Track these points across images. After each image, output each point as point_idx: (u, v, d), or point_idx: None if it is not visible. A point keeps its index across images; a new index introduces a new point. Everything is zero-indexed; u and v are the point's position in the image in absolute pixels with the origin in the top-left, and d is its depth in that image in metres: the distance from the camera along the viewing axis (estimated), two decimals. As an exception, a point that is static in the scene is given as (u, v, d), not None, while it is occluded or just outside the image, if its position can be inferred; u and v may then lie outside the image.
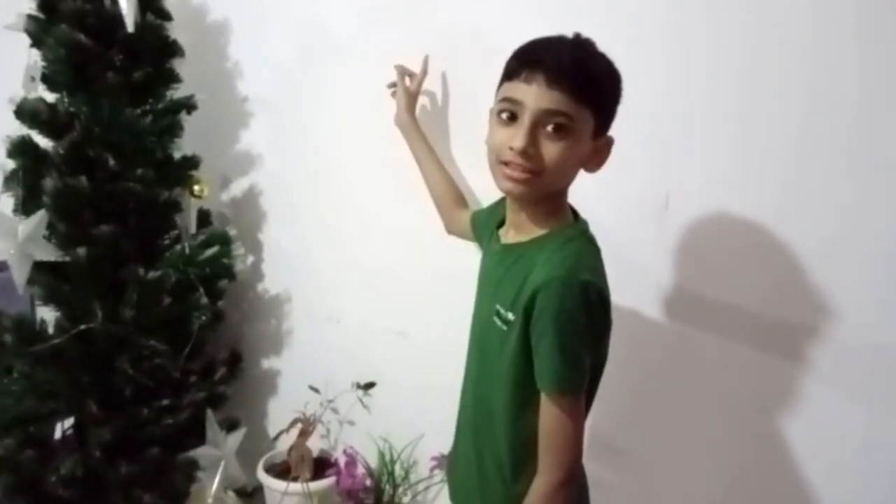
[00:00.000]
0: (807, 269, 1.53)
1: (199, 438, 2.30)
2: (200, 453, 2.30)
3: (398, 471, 2.30)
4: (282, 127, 2.46)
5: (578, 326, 1.21)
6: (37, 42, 2.19)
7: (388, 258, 2.26)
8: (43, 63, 2.18)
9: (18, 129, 2.19)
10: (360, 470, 2.32)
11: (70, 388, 2.18)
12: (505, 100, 1.27)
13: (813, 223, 1.51)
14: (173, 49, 2.30)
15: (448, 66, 2.01)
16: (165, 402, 2.26)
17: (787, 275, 1.55)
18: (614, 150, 1.32)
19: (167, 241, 2.33)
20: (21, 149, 2.18)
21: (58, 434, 2.25)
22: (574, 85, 1.20)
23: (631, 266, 1.69)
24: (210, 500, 2.32)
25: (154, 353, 2.22)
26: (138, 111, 2.22)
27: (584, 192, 1.37)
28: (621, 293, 1.33)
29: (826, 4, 1.44)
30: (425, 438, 2.25)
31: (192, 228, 2.38)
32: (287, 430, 2.36)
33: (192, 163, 2.35)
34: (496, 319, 1.33)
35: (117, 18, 2.14)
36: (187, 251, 2.30)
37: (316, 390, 2.35)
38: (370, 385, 2.32)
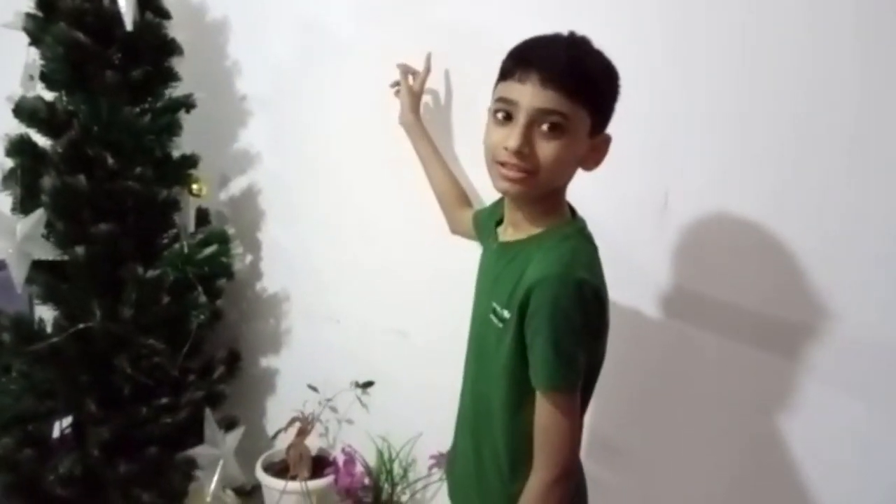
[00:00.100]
0: (807, 268, 1.52)
1: (198, 437, 2.30)
2: (199, 452, 2.30)
3: (397, 469, 2.30)
4: (281, 126, 2.46)
5: (573, 324, 1.21)
6: (35, 40, 2.19)
7: (388, 257, 2.26)
8: (41, 61, 2.18)
9: (17, 127, 2.19)
10: (359, 468, 2.32)
11: (68, 386, 2.18)
12: (500, 99, 1.27)
13: (813, 223, 1.51)
14: (172, 48, 2.29)
15: (449, 65, 2.01)
16: (164, 400, 2.27)
17: (786, 274, 1.55)
18: (614, 149, 1.32)
19: (166, 240, 2.33)
20: (19, 147, 2.18)
21: (56, 433, 2.25)
22: (569, 84, 1.20)
23: (630, 265, 1.69)
24: (209, 499, 2.32)
25: (153, 351, 2.22)
26: (137, 110, 2.22)
27: (584, 191, 1.37)
28: (620, 292, 1.34)
29: (826, 4, 1.44)
30: (424, 437, 2.25)
31: (191, 227, 2.38)
32: (285, 428, 2.37)
33: (190, 161, 2.35)
34: (492, 317, 1.33)
35: (116, 17, 2.14)
36: (186, 250, 2.30)
37: (314, 389, 2.35)
38: (369, 384, 2.32)
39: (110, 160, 2.16)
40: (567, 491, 1.29)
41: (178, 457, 2.28)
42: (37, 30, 2.17)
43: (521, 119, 1.22)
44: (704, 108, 1.60)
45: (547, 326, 1.20)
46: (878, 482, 1.52)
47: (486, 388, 1.38)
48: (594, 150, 1.30)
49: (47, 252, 2.11)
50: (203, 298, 2.33)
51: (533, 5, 1.78)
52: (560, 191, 1.35)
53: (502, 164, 1.25)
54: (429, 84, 2.02)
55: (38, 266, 2.11)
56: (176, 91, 2.31)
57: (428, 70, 2.00)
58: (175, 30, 2.30)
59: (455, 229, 1.90)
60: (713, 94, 1.59)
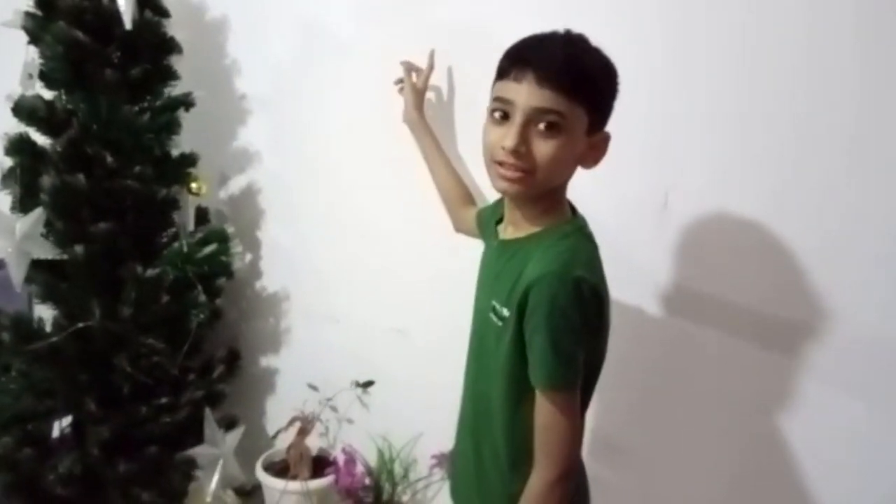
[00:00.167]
0: (807, 268, 1.54)
1: (198, 437, 2.31)
2: (199, 452, 2.30)
3: (397, 469, 2.31)
4: (280, 124, 2.47)
5: (571, 323, 1.21)
6: (34, 39, 2.20)
7: (388, 256, 2.27)
8: (40, 60, 2.19)
9: (16, 126, 2.20)
10: (360, 468, 2.33)
11: (68, 386, 2.19)
12: (497, 99, 1.28)
13: (813, 223, 1.53)
14: (171, 46, 2.30)
15: (450, 63, 2.02)
16: (164, 400, 2.27)
17: (786, 274, 1.56)
18: (614, 148, 1.33)
19: (165, 239, 2.34)
20: (19, 146, 2.19)
21: (56, 432, 2.26)
22: (565, 82, 1.21)
23: (630, 264, 1.70)
24: (209, 499, 2.33)
25: (152, 351, 2.23)
26: (136, 108, 2.23)
27: (584, 190, 1.39)
28: (621, 292, 1.35)
29: (826, 4, 1.46)
30: (424, 437, 2.26)
31: (191, 226, 2.38)
32: (286, 428, 2.38)
33: (190, 160, 2.35)
34: (492, 315, 1.34)
35: (115, 15, 2.15)
36: (185, 249, 2.30)
37: (315, 388, 2.36)
38: (369, 384, 2.33)
39: (109, 159, 2.17)
40: (568, 491, 1.29)
41: (177, 456, 2.29)
42: (36, 28, 2.18)
43: (517, 118, 1.23)
44: (704, 108, 1.61)
45: (545, 325, 1.21)
46: (878, 482, 1.53)
47: (485, 386, 1.39)
48: (593, 148, 1.30)
49: (46, 251, 2.12)
50: (203, 297, 2.33)
51: (533, 4, 1.79)
52: (560, 189, 1.35)
53: (500, 164, 1.26)
54: (431, 82, 2.02)
55: (37, 265, 2.12)
56: (175, 90, 2.32)
57: (431, 67, 2.00)
58: (174, 28, 2.31)
59: (459, 228, 1.90)
60: (713, 94, 1.60)
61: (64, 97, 2.20)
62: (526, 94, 1.22)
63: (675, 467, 1.79)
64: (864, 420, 1.52)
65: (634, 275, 1.72)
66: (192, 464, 2.32)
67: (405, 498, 2.32)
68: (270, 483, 2.33)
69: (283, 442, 2.41)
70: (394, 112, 2.04)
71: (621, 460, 1.85)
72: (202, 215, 2.46)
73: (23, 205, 2.18)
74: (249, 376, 2.65)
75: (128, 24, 2.15)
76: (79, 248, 2.14)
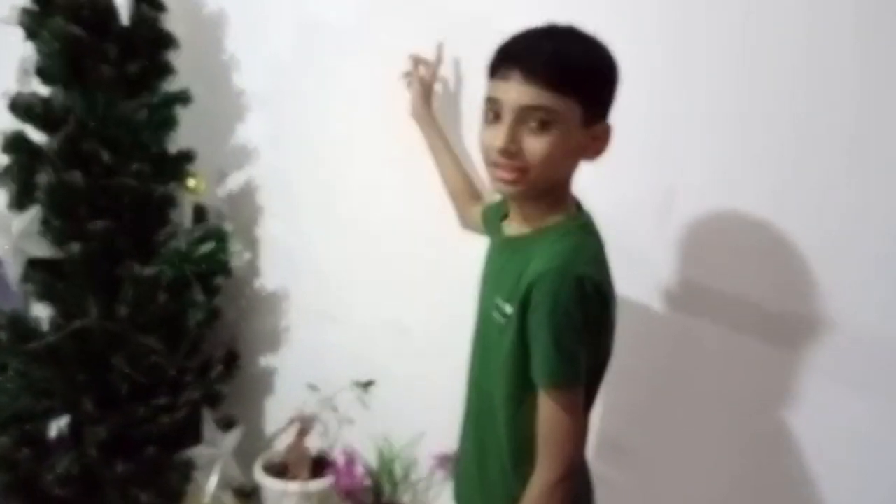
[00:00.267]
0: (807, 268, 1.56)
1: (196, 437, 2.34)
2: (197, 452, 2.34)
3: (398, 470, 2.32)
4: (279, 120, 2.48)
5: (574, 321, 1.23)
6: (31, 35, 2.22)
7: (388, 254, 2.28)
8: (37, 56, 2.21)
9: (12, 123, 2.23)
10: (359, 469, 2.35)
11: (65, 386, 2.22)
12: (488, 100, 1.30)
13: (813, 223, 1.55)
14: (168, 41, 2.33)
15: (455, 56, 2.02)
16: (162, 400, 2.30)
17: (787, 274, 1.58)
18: (615, 147, 1.34)
19: (163, 237, 2.34)
20: (15, 144, 2.21)
21: (53, 432, 2.27)
22: (551, 77, 1.22)
23: (631, 263, 1.67)
24: (207, 500, 2.36)
25: (150, 350, 2.26)
26: (133, 104, 2.25)
27: (584, 189, 1.41)
28: (621, 290, 1.36)
29: (826, 4, 1.48)
30: (425, 437, 2.27)
31: (188, 224, 2.40)
32: (285, 428, 2.41)
33: (187, 157, 2.38)
34: (495, 313, 1.35)
35: (112, 10, 2.17)
36: (183, 247, 2.32)
37: (314, 388, 2.38)
38: (369, 383, 2.35)
39: (106, 156, 2.20)
40: (570, 490, 1.30)
41: (176, 457, 2.32)
42: (32, 24, 2.20)
43: (507, 118, 1.25)
44: (704, 108, 1.63)
45: (547, 322, 1.22)
46: (879, 482, 1.55)
47: (489, 384, 1.40)
48: (594, 139, 1.30)
49: (43, 249, 2.15)
50: (201, 296, 2.36)
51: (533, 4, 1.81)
52: (563, 185, 1.36)
53: (496, 165, 1.29)
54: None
55: (34, 264, 2.15)
56: (172, 85, 2.34)
57: (440, 60, 1.99)
58: (171, 23, 2.33)
59: (465, 224, 1.90)
60: (713, 94, 1.62)
61: (61, 94, 2.22)
62: (514, 92, 1.24)
63: (677, 467, 1.81)
64: (865, 420, 1.54)
65: (634, 274, 1.70)
66: (190, 464, 2.34)
67: (406, 499, 2.33)
68: (270, 484, 2.35)
69: (283, 442, 2.44)
70: (394, 108, 2.05)
71: (624, 459, 1.87)
72: (200, 213, 2.47)
73: (19, 203, 2.21)
74: (248, 376, 2.67)
75: (125, 20, 2.18)
76: (76, 247, 2.17)
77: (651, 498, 1.87)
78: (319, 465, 2.41)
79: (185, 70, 2.37)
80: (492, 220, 1.56)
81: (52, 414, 2.25)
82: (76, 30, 2.15)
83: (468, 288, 1.53)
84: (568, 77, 1.23)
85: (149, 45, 2.30)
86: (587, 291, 1.23)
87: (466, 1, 1.97)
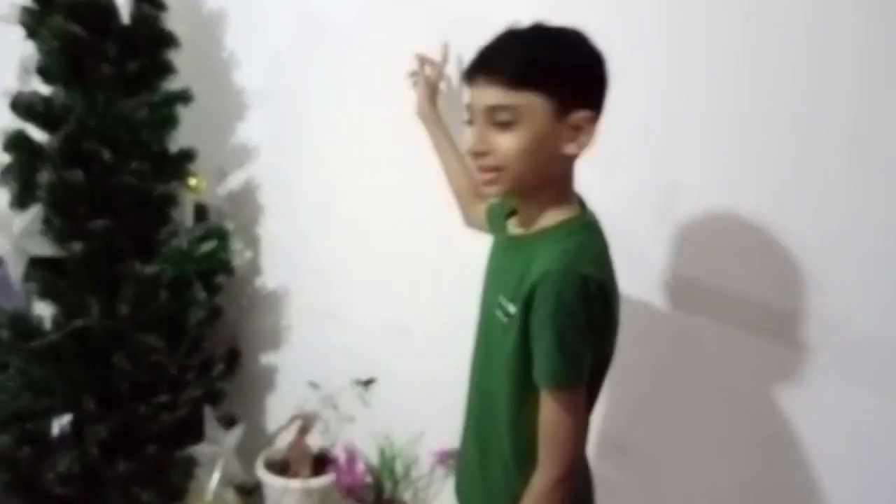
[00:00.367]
0: (807, 268, 1.56)
1: (198, 435, 2.34)
2: (199, 450, 2.34)
3: (398, 467, 2.33)
4: (280, 119, 2.48)
5: (577, 321, 1.22)
6: (31, 34, 2.22)
7: (389, 253, 2.29)
8: (37, 55, 2.21)
9: (13, 122, 2.23)
10: (361, 467, 2.35)
11: (67, 384, 2.22)
12: (466, 107, 1.33)
13: (813, 223, 1.55)
14: (169, 40, 2.33)
15: (452, 55, 2.01)
16: (163, 398, 2.30)
17: (786, 274, 1.58)
18: (617, 145, 1.35)
19: (164, 236, 2.35)
20: (16, 142, 2.21)
21: (55, 431, 2.26)
22: (509, 74, 1.23)
23: (632, 262, 1.67)
24: (209, 498, 2.36)
25: (151, 349, 2.26)
26: (134, 103, 2.25)
27: (585, 188, 1.40)
28: (623, 288, 1.36)
29: (826, 4, 1.48)
30: (426, 435, 2.28)
31: (189, 222, 2.40)
32: (286, 426, 2.41)
33: (188, 156, 2.38)
34: (498, 311, 1.34)
35: (112, 9, 2.17)
36: (184, 246, 2.33)
37: (316, 386, 2.39)
38: (370, 381, 2.35)
39: (107, 155, 2.20)
40: (571, 490, 1.30)
41: (177, 455, 2.32)
42: (33, 23, 2.20)
43: (477, 121, 1.28)
44: (704, 107, 1.63)
45: (550, 322, 1.21)
46: (880, 482, 1.56)
47: (491, 383, 1.40)
48: (575, 129, 1.27)
49: (45, 248, 2.15)
50: (202, 295, 2.37)
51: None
52: (558, 182, 1.34)
53: (476, 169, 1.32)
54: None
55: (35, 262, 2.15)
56: (173, 84, 2.34)
57: (445, 60, 1.98)
58: (172, 22, 2.33)
59: (469, 222, 1.88)
60: (713, 94, 1.62)
61: (61, 92, 2.22)
62: (478, 95, 1.27)
63: (678, 466, 1.81)
64: (865, 420, 1.54)
65: (635, 273, 1.69)
66: (192, 462, 2.35)
67: (406, 496, 2.33)
68: (271, 481, 2.36)
69: (284, 440, 2.44)
70: (395, 106, 2.05)
71: (624, 458, 1.87)
72: (201, 212, 2.48)
73: (20, 201, 2.21)
74: (250, 374, 2.67)
75: (125, 18, 2.17)
76: (77, 245, 2.17)
77: (651, 497, 1.87)
78: (321, 463, 2.41)
79: (185, 69, 2.37)
80: (496, 219, 1.56)
81: (53, 412, 2.24)
82: (76, 28, 2.15)
83: (468, 287, 1.53)
84: (527, 72, 1.24)
85: (149, 43, 2.30)
86: (591, 291, 1.22)
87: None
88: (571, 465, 1.30)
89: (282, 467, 2.41)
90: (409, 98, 2.01)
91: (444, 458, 2.18)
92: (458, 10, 1.97)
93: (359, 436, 2.40)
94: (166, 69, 2.34)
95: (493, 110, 1.26)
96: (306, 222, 2.50)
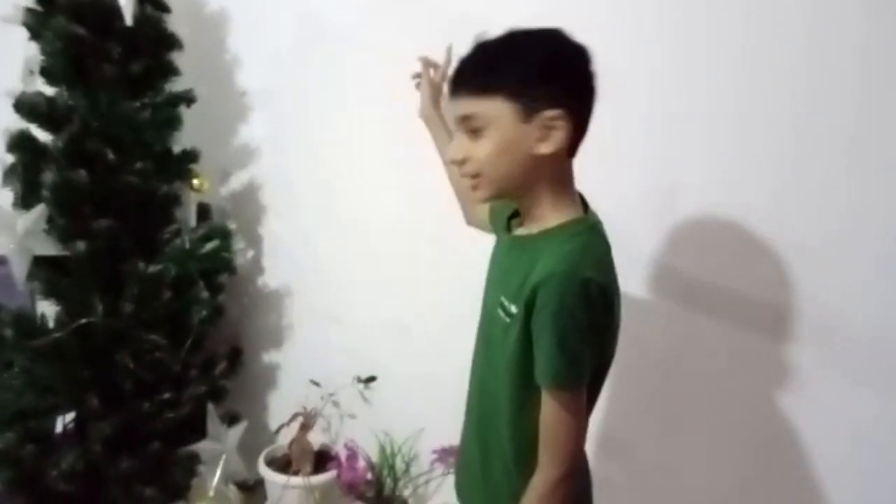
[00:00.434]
0: (807, 268, 1.55)
1: (200, 432, 2.33)
2: (201, 447, 2.33)
3: (399, 464, 2.32)
4: (282, 120, 2.47)
5: (578, 323, 1.21)
6: (35, 35, 2.20)
7: (390, 252, 2.28)
8: (41, 56, 2.19)
9: (17, 122, 2.21)
10: (361, 463, 2.34)
11: (70, 382, 2.20)
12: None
13: (813, 223, 1.54)
14: (171, 42, 2.31)
15: (454, 53, 1.99)
16: (166, 396, 2.29)
17: (787, 274, 1.57)
18: (617, 145, 1.33)
19: (167, 236, 2.34)
20: (20, 143, 2.19)
21: (58, 428, 2.26)
22: (468, 84, 1.26)
23: (632, 262, 1.69)
24: (211, 494, 2.34)
25: (154, 347, 2.25)
26: (137, 104, 2.23)
27: (585, 187, 1.38)
28: (623, 288, 1.33)
29: (826, 4, 1.46)
30: (426, 432, 2.27)
31: (192, 222, 2.39)
32: (288, 423, 2.39)
33: (191, 156, 2.37)
34: (500, 311, 1.33)
35: (115, 11, 2.15)
36: (187, 245, 2.32)
37: (317, 384, 2.38)
38: (371, 379, 2.35)
39: (111, 155, 2.18)
40: (572, 489, 1.29)
41: (180, 452, 2.31)
42: (36, 24, 2.19)
43: (457, 131, 1.31)
44: (704, 107, 1.62)
45: (552, 324, 1.20)
46: (881, 482, 1.54)
47: (491, 381, 1.39)
48: (546, 129, 1.24)
49: (48, 248, 2.13)
50: (205, 294, 2.35)
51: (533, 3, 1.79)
52: (550, 183, 1.31)
53: (462, 177, 1.34)
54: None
55: (39, 261, 2.13)
56: (176, 85, 2.33)
57: (449, 62, 1.93)
58: (175, 23, 2.32)
59: (471, 221, 1.84)
60: (713, 94, 1.60)
61: (65, 93, 2.20)
62: (453, 107, 1.30)
63: (678, 465, 1.80)
64: (865, 420, 1.53)
65: (634, 273, 1.73)
66: (194, 459, 2.34)
67: (406, 492, 2.33)
68: (273, 478, 2.35)
69: (286, 437, 2.43)
70: (396, 107, 2.01)
71: (624, 457, 1.86)
72: (204, 211, 2.47)
73: (25, 201, 2.19)
74: (252, 372, 2.66)
75: (128, 20, 2.16)
76: (81, 245, 2.15)
77: (651, 497, 1.86)
78: (322, 460, 2.40)
79: (188, 70, 2.35)
80: (499, 219, 1.54)
81: (57, 410, 2.23)
82: (79, 30, 2.14)
83: (468, 287, 1.51)
84: (480, 78, 1.26)
85: (152, 45, 2.28)
86: (592, 295, 1.21)
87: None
88: (573, 465, 1.29)
89: (283, 464, 2.40)
90: (410, 98, 1.96)
91: (443, 454, 2.16)
92: (459, 10, 1.95)
93: (360, 433, 2.39)
94: (169, 71, 2.33)
95: (464, 119, 1.28)
96: (307, 222, 2.49)
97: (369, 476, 2.35)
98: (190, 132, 2.36)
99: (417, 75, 1.97)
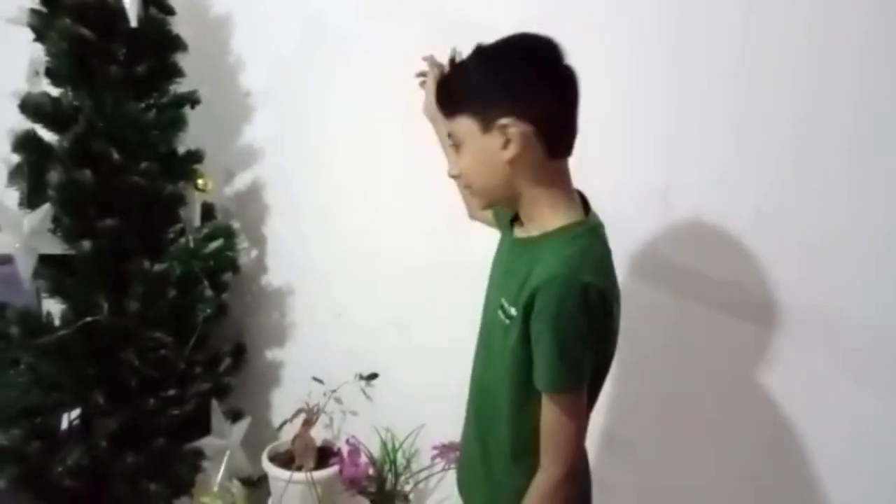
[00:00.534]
0: (808, 266, 1.53)
1: (205, 429, 2.31)
2: (206, 443, 2.31)
3: (400, 460, 2.32)
4: (285, 120, 2.45)
5: (577, 327, 1.20)
6: (40, 36, 2.18)
7: (391, 251, 2.26)
8: (46, 57, 2.17)
9: (23, 123, 2.18)
10: (363, 459, 2.32)
11: (76, 379, 2.18)
12: None
13: (813, 223, 1.52)
14: (176, 43, 2.29)
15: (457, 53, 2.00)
16: (171, 392, 2.27)
17: (786, 274, 1.56)
18: (617, 145, 1.33)
19: (172, 235, 2.33)
20: (26, 143, 2.17)
21: (64, 425, 2.26)
22: (442, 106, 1.35)
23: (632, 262, 1.70)
24: (215, 489, 2.33)
25: (159, 344, 2.23)
26: (142, 105, 2.22)
27: (585, 187, 1.36)
28: (623, 289, 1.34)
29: (826, 4, 1.44)
30: (426, 428, 2.27)
31: (197, 222, 2.38)
32: (291, 420, 2.38)
33: (195, 157, 2.34)
34: (500, 312, 1.33)
35: (120, 12, 2.13)
36: (192, 244, 2.30)
37: (319, 381, 2.36)
38: (373, 376, 2.34)
39: (116, 155, 2.15)
40: (573, 490, 1.29)
41: (185, 448, 2.30)
42: (41, 25, 2.16)
43: (453, 148, 1.38)
44: (704, 107, 1.60)
45: (551, 328, 1.20)
46: (881, 482, 1.53)
47: (492, 380, 1.39)
48: (502, 137, 1.25)
49: (54, 246, 2.11)
50: (209, 292, 2.33)
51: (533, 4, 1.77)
52: (536, 187, 1.30)
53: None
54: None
55: (45, 260, 2.11)
56: (181, 87, 2.31)
57: (453, 62, 1.97)
58: (179, 25, 2.30)
59: (474, 216, 1.83)
60: (713, 94, 1.59)
61: (70, 94, 2.18)
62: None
63: (677, 465, 1.79)
64: (865, 420, 1.52)
65: (634, 273, 1.71)
66: (199, 455, 2.32)
67: (408, 488, 2.32)
68: (276, 473, 2.32)
69: (289, 433, 2.41)
70: (399, 107, 1.98)
71: (624, 458, 1.85)
72: (208, 211, 2.45)
73: (30, 201, 2.16)
74: (255, 369, 2.65)
75: (133, 22, 2.13)
76: (86, 244, 2.13)
77: (651, 497, 1.85)
78: (324, 455, 2.38)
79: (192, 71, 2.33)
80: (502, 219, 1.54)
81: (62, 407, 2.22)
82: (84, 31, 2.10)
83: (469, 285, 1.51)
84: (450, 99, 1.34)
85: (157, 46, 2.25)
86: (591, 299, 1.20)
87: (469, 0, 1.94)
88: (574, 466, 1.29)
89: (287, 459, 2.38)
90: (411, 99, 1.94)
91: (444, 451, 2.14)
92: (459, 11, 1.94)
93: (361, 429, 2.37)
94: (174, 72, 2.30)
95: (450, 136, 1.35)
96: (310, 222, 2.47)
97: (371, 471, 2.33)
98: (194, 133, 2.34)
99: (422, 74, 1.98)
